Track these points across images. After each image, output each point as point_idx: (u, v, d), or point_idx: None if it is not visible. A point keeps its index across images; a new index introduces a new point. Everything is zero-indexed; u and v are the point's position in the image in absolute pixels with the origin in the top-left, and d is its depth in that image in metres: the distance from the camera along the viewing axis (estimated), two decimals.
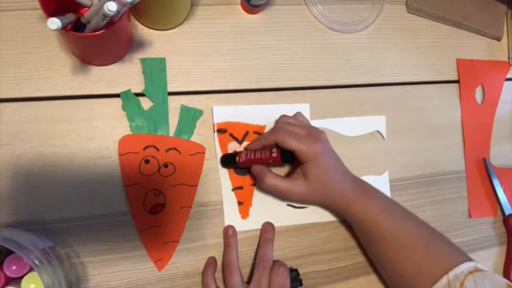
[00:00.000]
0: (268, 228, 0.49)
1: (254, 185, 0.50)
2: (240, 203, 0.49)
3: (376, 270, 0.53)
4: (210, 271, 0.46)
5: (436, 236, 0.48)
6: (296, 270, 0.48)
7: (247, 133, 0.50)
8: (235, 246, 0.47)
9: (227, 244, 0.47)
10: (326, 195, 0.47)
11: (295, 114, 0.51)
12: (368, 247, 0.51)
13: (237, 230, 0.49)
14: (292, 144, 0.44)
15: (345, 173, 0.49)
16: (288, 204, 0.51)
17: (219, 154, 0.49)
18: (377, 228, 0.47)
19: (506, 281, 0.43)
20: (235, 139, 0.50)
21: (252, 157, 0.47)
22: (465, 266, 0.43)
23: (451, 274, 0.43)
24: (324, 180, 0.46)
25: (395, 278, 0.48)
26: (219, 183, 0.49)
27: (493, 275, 0.43)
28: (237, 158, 0.47)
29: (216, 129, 0.49)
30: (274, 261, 0.47)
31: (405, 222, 0.48)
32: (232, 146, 0.49)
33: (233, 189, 0.49)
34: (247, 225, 0.49)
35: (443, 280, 0.43)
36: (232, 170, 0.49)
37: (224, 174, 0.49)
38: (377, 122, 0.56)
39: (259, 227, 0.50)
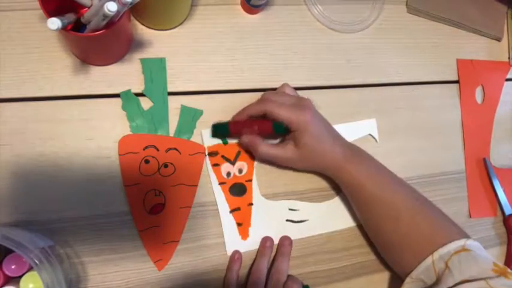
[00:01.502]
0: (285, 242, 0.49)
1: (251, 204, 0.49)
2: (239, 224, 0.49)
3: (376, 271, 0.53)
4: (234, 267, 0.46)
5: (425, 208, 0.46)
6: (308, 286, 0.46)
7: (239, 153, 0.49)
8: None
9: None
10: (318, 161, 0.47)
11: (281, 87, 0.50)
12: (357, 213, 0.50)
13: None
14: (281, 114, 0.44)
15: (336, 138, 0.49)
16: (287, 220, 0.50)
17: (213, 177, 0.48)
18: (363, 194, 0.47)
19: (492, 259, 0.41)
20: (228, 160, 0.49)
21: (245, 127, 0.46)
22: (452, 246, 0.41)
23: (436, 254, 0.41)
24: (314, 148, 0.46)
25: (384, 246, 0.48)
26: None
27: (479, 255, 0.41)
28: (229, 127, 0.47)
29: (207, 153, 0.48)
30: (289, 277, 0.46)
31: (392, 190, 0.47)
32: (226, 167, 0.49)
33: (231, 212, 0.48)
34: (248, 245, 0.49)
35: (428, 260, 0.42)
36: (228, 192, 0.48)
37: (220, 197, 0.48)
38: (368, 126, 0.55)
39: None
